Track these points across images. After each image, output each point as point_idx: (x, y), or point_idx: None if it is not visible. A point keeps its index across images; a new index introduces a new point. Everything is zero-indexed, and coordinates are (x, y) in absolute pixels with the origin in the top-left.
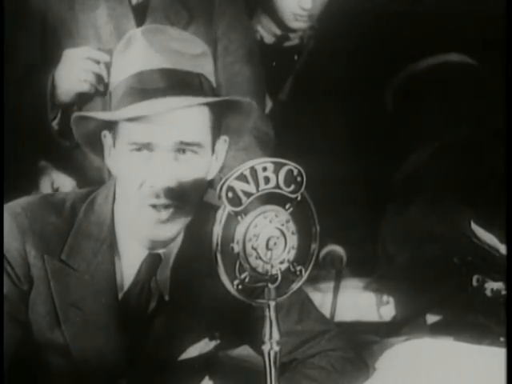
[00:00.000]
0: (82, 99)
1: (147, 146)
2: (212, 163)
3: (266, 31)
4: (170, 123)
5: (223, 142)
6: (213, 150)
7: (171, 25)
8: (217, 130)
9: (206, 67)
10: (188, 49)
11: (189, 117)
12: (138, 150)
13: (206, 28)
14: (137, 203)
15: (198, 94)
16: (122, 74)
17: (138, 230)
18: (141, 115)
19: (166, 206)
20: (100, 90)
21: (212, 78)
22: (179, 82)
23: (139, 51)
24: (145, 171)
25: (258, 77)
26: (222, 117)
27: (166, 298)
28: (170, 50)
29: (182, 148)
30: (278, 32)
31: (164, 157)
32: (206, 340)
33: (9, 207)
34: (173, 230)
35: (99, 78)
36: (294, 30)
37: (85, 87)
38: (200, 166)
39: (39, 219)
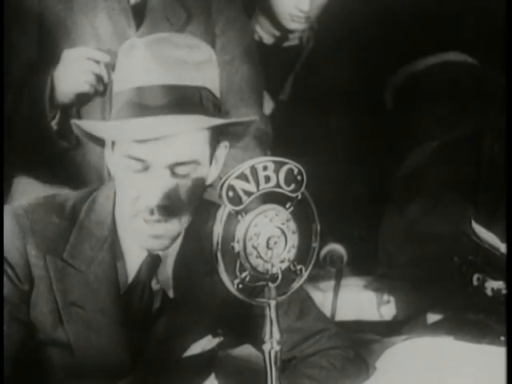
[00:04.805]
0: (82, 100)
1: (142, 163)
2: (211, 171)
3: (265, 31)
4: (165, 144)
5: (223, 148)
6: (211, 160)
7: (170, 24)
8: (215, 141)
9: (209, 75)
10: (192, 56)
11: (185, 137)
12: (134, 163)
13: (205, 27)
14: (130, 215)
15: (197, 111)
16: (123, 81)
17: (134, 238)
18: (139, 139)
19: (159, 221)
20: (99, 90)
21: (215, 86)
22: (179, 100)
23: (141, 63)
24: (140, 187)
25: (256, 75)
26: (222, 128)
27: (171, 295)
28: (172, 60)
29: (178, 166)
30: (277, 33)
31: (159, 174)
32: (209, 337)
33: (10, 208)
34: (165, 242)
35: (99, 78)
36: (291, 31)
37: (85, 88)
38: (198, 178)
39: (41, 220)
